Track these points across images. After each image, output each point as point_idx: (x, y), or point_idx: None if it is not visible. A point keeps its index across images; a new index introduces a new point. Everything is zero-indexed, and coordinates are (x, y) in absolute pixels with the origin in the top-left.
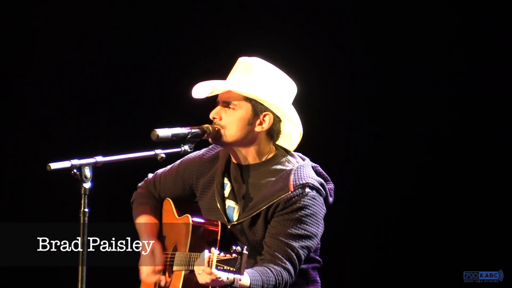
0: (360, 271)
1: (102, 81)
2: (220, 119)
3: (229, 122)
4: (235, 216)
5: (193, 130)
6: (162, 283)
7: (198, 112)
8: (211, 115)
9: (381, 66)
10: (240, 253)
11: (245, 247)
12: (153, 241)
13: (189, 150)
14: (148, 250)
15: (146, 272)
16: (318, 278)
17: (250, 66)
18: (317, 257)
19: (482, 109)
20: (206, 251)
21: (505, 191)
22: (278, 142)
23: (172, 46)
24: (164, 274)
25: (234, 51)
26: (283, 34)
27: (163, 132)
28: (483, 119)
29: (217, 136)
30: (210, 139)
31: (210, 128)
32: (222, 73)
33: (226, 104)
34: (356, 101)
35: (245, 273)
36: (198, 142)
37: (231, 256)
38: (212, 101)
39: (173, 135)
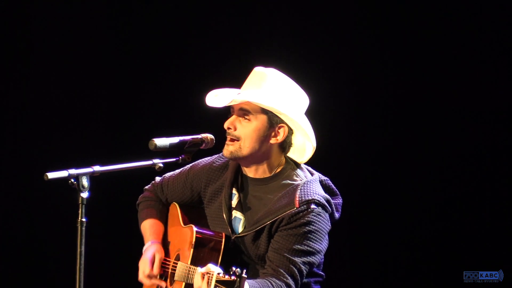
0: (365, 267)
1: (100, 90)
2: (235, 129)
3: (245, 134)
4: (240, 228)
5: (191, 140)
6: (163, 286)
7: (198, 121)
8: (226, 125)
9: (393, 78)
10: (239, 276)
11: (245, 270)
12: (157, 244)
13: (187, 160)
14: (151, 252)
15: (144, 273)
16: None
17: (266, 77)
18: (320, 272)
19: (481, 109)
20: (206, 266)
21: (505, 191)
22: (289, 154)
23: (172, 55)
24: (165, 280)
25: (237, 60)
26: (294, 42)
27: (161, 142)
28: (484, 119)
29: (228, 146)
30: (224, 153)
31: (208, 138)
32: (226, 81)
33: (242, 114)
34: (366, 114)
35: (246, 285)
36: (197, 151)
37: (230, 278)
38: (213, 111)
39: (171, 145)
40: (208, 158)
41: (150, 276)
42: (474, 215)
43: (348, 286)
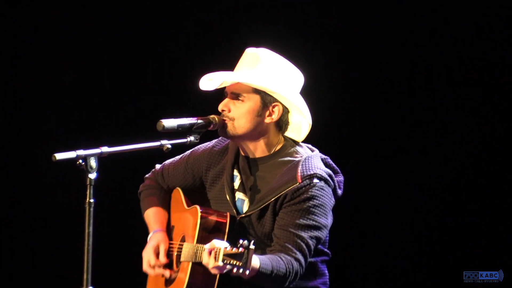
0: (366, 266)
1: (108, 71)
2: (229, 111)
3: (238, 114)
4: (244, 208)
5: (199, 121)
6: (167, 275)
7: (205, 102)
8: (220, 108)
9: (394, 55)
10: (247, 248)
11: (252, 241)
12: (161, 233)
13: (195, 141)
14: (155, 241)
15: (148, 263)
16: (326, 272)
17: (258, 57)
18: (325, 250)
19: (481, 109)
20: (211, 243)
21: (505, 191)
22: (286, 133)
23: (178, 37)
24: (171, 264)
25: (240, 42)
26: (290, 23)
27: (169, 123)
28: (484, 119)
29: (225, 128)
30: (219, 132)
31: (216, 119)
32: (229, 64)
33: (235, 96)
34: (366, 93)
35: (254, 256)
36: (205, 133)
37: (238, 250)
38: (220, 92)
39: (179, 126)
40: (208, 143)
41: (155, 266)
42: (474, 215)
43: (354, 266)
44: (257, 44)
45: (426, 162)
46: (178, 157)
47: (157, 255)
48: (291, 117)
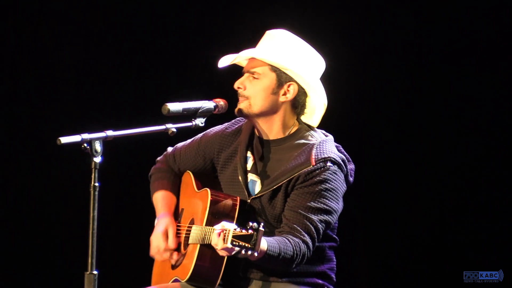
0: (372, 257)
1: (113, 54)
2: (245, 89)
3: (254, 92)
4: (256, 190)
5: (204, 105)
6: (174, 259)
7: (212, 85)
8: (236, 85)
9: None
10: (256, 230)
11: (262, 224)
12: (169, 217)
13: (200, 125)
14: (163, 226)
15: (156, 249)
16: (334, 257)
17: (276, 37)
18: (334, 236)
19: (481, 109)
20: (220, 224)
21: (505, 191)
22: (302, 118)
23: (185, 18)
24: (178, 247)
25: (253, 24)
26: (308, 7)
27: (174, 107)
28: (484, 119)
29: (240, 107)
30: (235, 112)
31: (221, 103)
32: (239, 46)
33: (251, 74)
34: (379, 81)
35: (262, 238)
36: (210, 116)
37: (247, 232)
38: (226, 74)
39: (184, 110)
40: (220, 125)
41: (166, 250)
42: (474, 215)
43: (360, 258)
44: (274, 26)
45: (426, 163)
46: (190, 140)
47: (166, 239)
48: (309, 101)
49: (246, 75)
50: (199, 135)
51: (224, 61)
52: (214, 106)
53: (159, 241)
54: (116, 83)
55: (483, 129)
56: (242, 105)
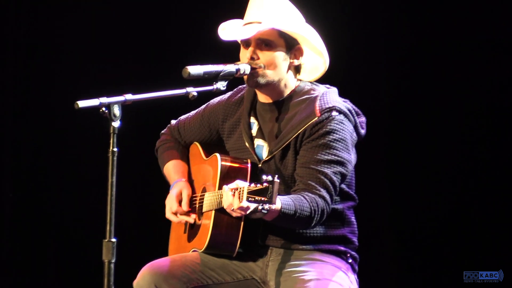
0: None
1: (133, 18)
2: (258, 58)
3: (268, 61)
4: (264, 154)
5: (226, 68)
6: (191, 221)
7: (233, 50)
8: (248, 56)
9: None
10: (271, 182)
11: (276, 175)
12: (183, 182)
13: (221, 89)
14: (177, 189)
15: (171, 210)
16: (353, 219)
17: (271, 2)
18: (352, 193)
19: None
20: (234, 183)
21: (505, 191)
22: (300, 77)
23: None
24: (194, 217)
25: None
26: None
27: (195, 70)
28: (483, 119)
29: (255, 77)
30: (247, 81)
31: (245, 66)
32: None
33: (261, 42)
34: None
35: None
36: (231, 80)
37: (262, 186)
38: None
39: (205, 73)
40: (223, 95)
41: (178, 213)
42: (474, 215)
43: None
44: None
45: (426, 163)
46: (193, 112)
47: (179, 202)
48: (310, 61)
49: (255, 44)
50: (203, 106)
51: (240, 34)
52: (236, 70)
53: (172, 203)
54: (136, 46)
55: (483, 129)
56: (258, 75)
